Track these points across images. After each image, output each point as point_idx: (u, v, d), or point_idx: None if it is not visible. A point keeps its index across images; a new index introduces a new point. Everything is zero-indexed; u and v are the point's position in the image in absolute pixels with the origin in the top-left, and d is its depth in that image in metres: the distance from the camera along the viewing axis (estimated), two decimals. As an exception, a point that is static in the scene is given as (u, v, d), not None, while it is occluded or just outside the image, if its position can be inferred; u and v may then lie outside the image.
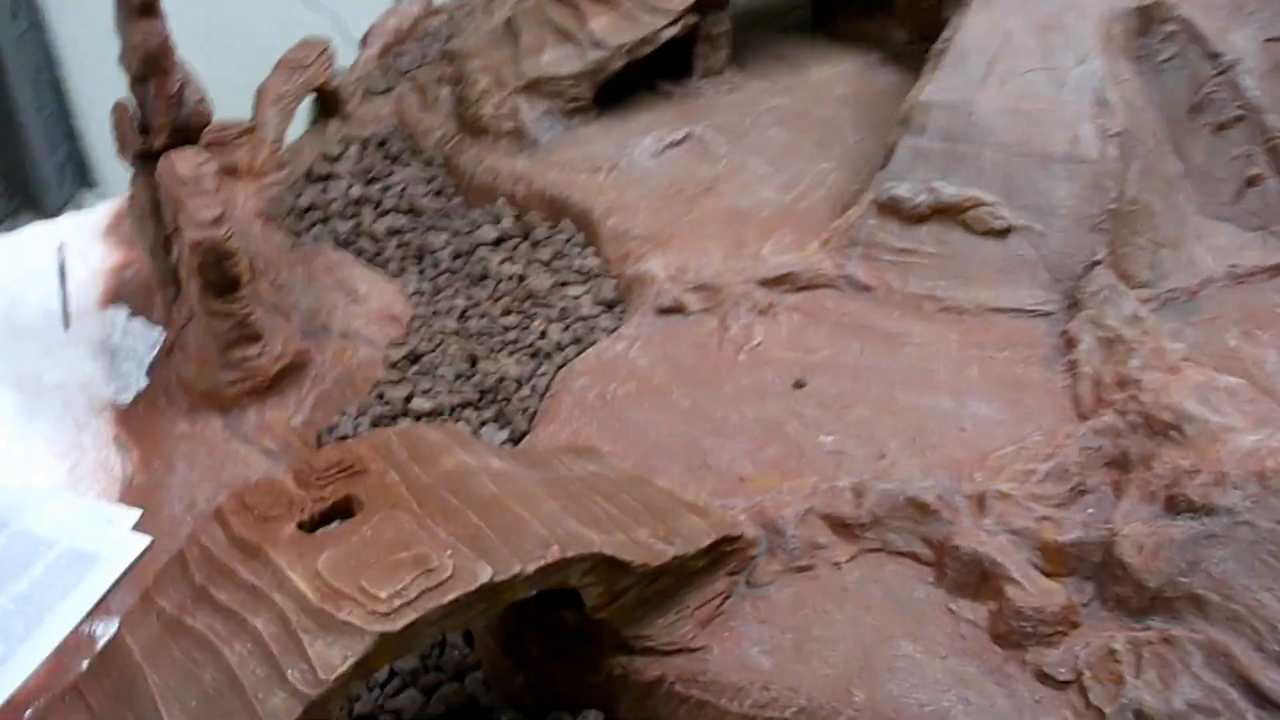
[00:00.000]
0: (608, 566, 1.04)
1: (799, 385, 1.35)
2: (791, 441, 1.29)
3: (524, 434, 1.39)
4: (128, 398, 1.55)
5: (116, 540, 1.34)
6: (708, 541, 1.11)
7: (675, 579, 1.11)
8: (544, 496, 1.05)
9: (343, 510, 1.01)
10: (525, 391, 1.45)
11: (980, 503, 1.18)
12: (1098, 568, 1.12)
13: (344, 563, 0.96)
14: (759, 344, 1.41)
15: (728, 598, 1.15)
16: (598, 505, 1.10)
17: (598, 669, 1.12)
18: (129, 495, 1.42)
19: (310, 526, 1.00)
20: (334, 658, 0.91)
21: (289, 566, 0.96)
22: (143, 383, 1.55)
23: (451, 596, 0.94)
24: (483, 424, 1.42)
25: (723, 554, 1.14)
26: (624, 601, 1.09)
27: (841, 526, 1.19)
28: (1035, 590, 1.10)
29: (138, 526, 1.38)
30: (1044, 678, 1.07)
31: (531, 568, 0.97)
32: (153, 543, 1.35)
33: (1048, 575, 1.12)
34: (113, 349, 1.60)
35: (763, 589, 1.16)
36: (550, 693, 1.15)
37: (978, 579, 1.13)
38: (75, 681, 1.02)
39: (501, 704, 1.16)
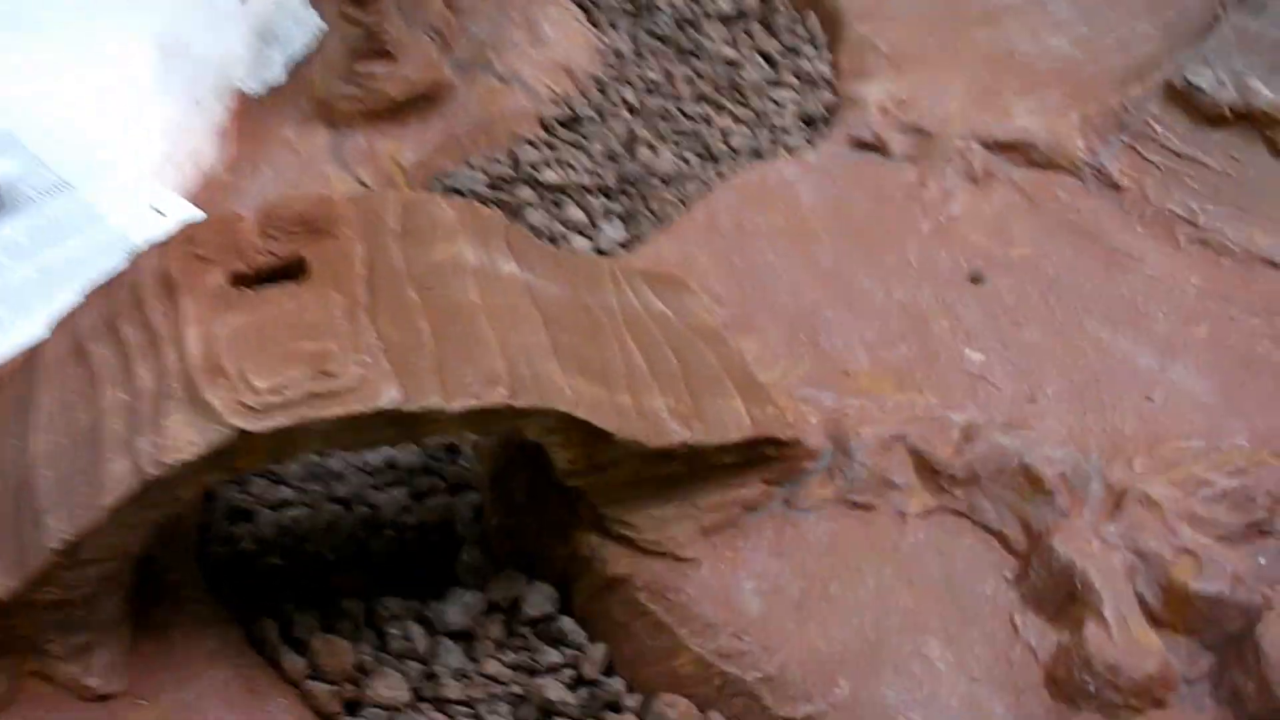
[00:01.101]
0: (582, 430, 0.80)
1: (976, 280, 1.04)
2: (930, 345, 0.99)
3: (641, 238, 1.14)
4: (257, 88, 1.35)
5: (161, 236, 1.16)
6: (737, 437, 0.85)
7: (689, 468, 0.86)
8: (541, 322, 0.81)
9: (290, 271, 0.80)
10: (669, 193, 1.19)
11: (1119, 500, 0.87)
12: (1229, 640, 0.82)
13: (244, 334, 0.75)
14: (954, 216, 1.10)
15: (753, 509, 0.90)
16: (620, 351, 0.85)
17: (567, 540, 0.90)
18: (202, 193, 1.23)
19: (250, 281, 0.80)
20: (182, 441, 0.72)
21: (191, 319, 0.76)
22: (280, 77, 1.35)
23: (337, 412, 0.72)
24: (607, 214, 1.17)
25: (764, 456, 0.88)
26: (610, 476, 0.85)
27: (929, 471, 0.90)
28: (1126, 641, 0.80)
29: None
30: (1083, 760, 0.79)
31: (456, 406, 0.74)
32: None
33: (1156, 623, 0.82)
34: (268, 32, 1.41)
35: (800, 514, 0.89)
36: (519, 547, 0.93)
37: (1063, 597, 0.83)
38: (4, 371, 0.88)
39: (474, 537, 0.96)
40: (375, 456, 1.02)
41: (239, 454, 0.74)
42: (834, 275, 1.04)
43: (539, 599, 0.89)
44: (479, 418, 0.76)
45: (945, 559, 0.87)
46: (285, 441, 0.74)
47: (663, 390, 0.85)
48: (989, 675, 0.83)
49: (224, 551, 0.96)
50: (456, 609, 0.89)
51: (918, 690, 0.82)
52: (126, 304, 0.80)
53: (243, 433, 0.72)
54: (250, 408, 0.72)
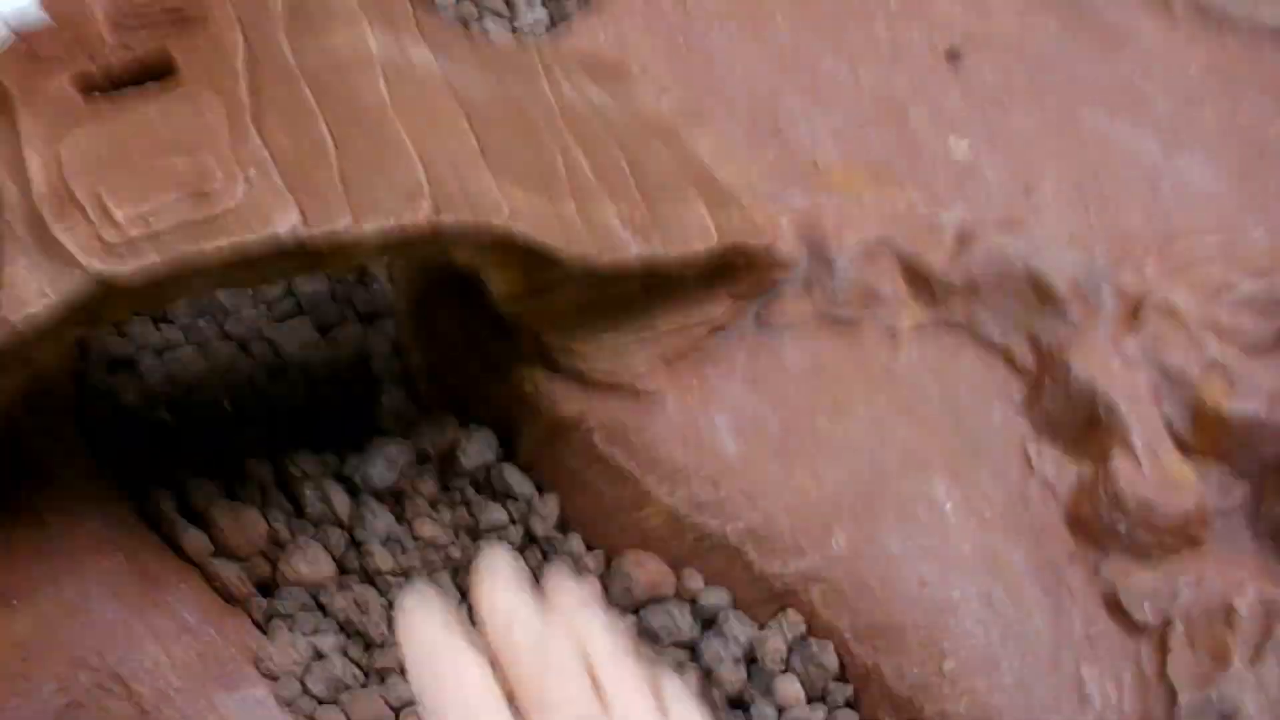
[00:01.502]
0: (521, 250, 0.65)
1: (952, 57, 0.88)
2: (908, 133, 0.83)
3: (564, 20, 0.97)
4: None
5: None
6: (701, 248, 0.70)
7: (645, 287, 0.71)
8: (466, 122, 0.65)
9: (153, 71, 0.63)
10: None
11: (1135, 309, 0.74)
12: (1265, 467, 0.69)
13: (99, 153, 0.58)
14: (927, -11, 0.94)
15: (720, 330, 0.76)
16: (560, 153, 0.69)
17: (505, 376, 0.75)
18: None
19: (104, 88, 0.63)
20: (29, 293, 0.56)
21: (31, 139, 0.59)
22: None
23: (220, 244, 0.57)
24: None
25: (731, 268, 0.74)
26: (553, 300, 0.70)
27: (920, 280, 0.76)
28: (1158, 474, 0.68)
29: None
30: (1114, 607, 0.67)
31: (370, 229, 0.59)
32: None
33: (1185, 450, 0.70)
34: None
35: (774, 334, 0.75)
36: (448, 385, 0.78)
37: (1082, 422, 0.71)
38: None
39: (395, 376, 0.81)
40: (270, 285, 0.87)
41: (103, 304, 0.58)
42: (793, 57, 0.87)
43: (477, 447, 0.75)
44: (398, 241, 0.61)
45: (945, 382, 0.74)
46: (158, 285, 0.58)
47: (613, 197, 0.69)
48: (1003, 517, 0.70)
49: (103, 408, 0.80)
50: (380, 463, 0.74)
51: (925, 537, 0.69)
52: (-49, 130, 0.64)
53: (104, 278, 0.57)
54: (112, 245, 0.56)
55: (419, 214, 0.59)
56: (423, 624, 0.51)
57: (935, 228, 0.77)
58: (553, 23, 0.96)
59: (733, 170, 0.79)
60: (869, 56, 0.88)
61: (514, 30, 0.95)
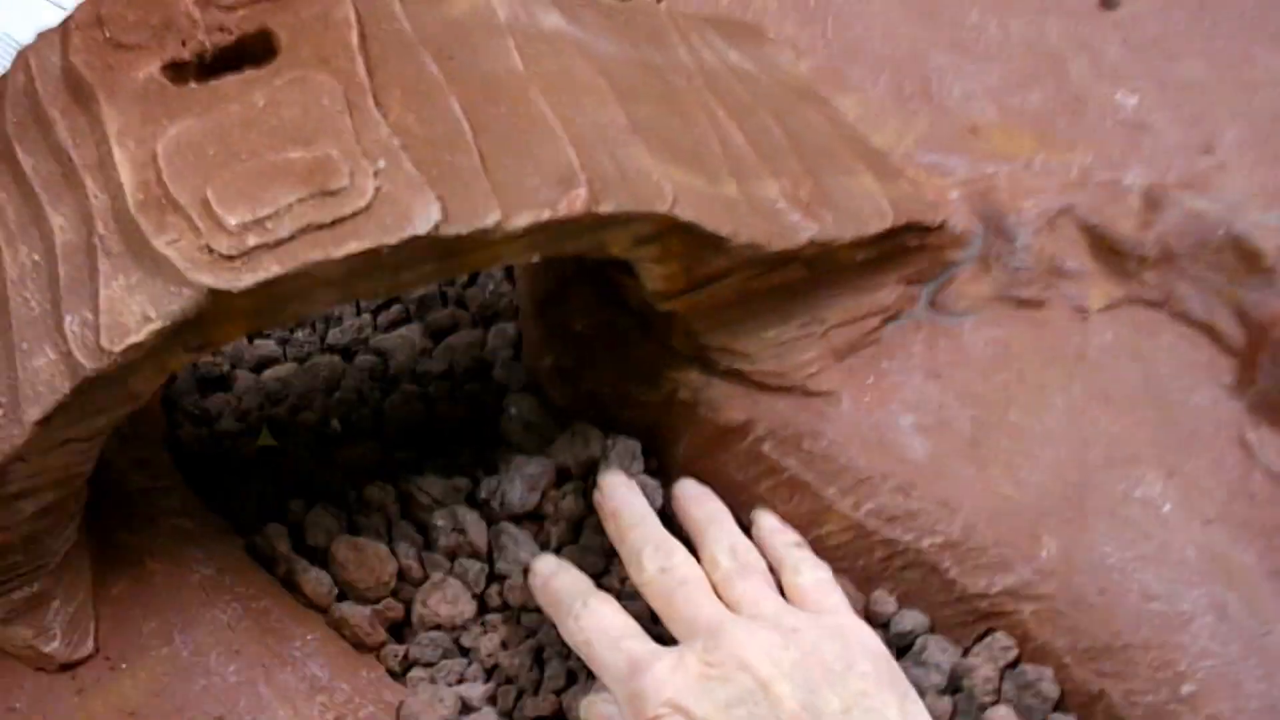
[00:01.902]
0: (684, 236, 0.56)
1: (1106, 3, 0.79)
2: (1070, 88, 0.74)
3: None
4: None
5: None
6: (878, 228, 0.61)
7: (811, 272, 0.62)
8: (610, 94, 0.56)
9: (252, 54, 0.54)
10: None
11: (1352, 269, 0.65)
12: None
13: (200, 148, 0.49)
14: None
15: (892, 319, 0.66)
16: (710, 124, 0.60)
17: (655, 381, 0.66)
18: None
19: (194, 72, 0.54)
20: (129, 316, 0.47)
21: (120, 137, 0.50)
22: None
23: (350, 249, 0.48)
24: None
25: (901, 248, 0.65)
26: (713, 292, 0.61)
27: (1109, 252, 0.66)
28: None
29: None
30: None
31: (520, 223, 0.50)
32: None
33: None
34: None
35: (953, 320, 0.66)
36: (585, 391, 0.69)
37: (1309, 403, 0.62)
38: None
39: (520, 384, 0.72)
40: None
41: (214, 324, 0.49)
42: (934, 11, 0.77)
43: (624, 461, 0.65)
44: (551, 233, 0.52)
45: (1145, 365, 0.64)
46: (278, 298, 0.49)
47: (774, 173, 0.59)
48: (1226, 514, 0.61)
49: (198, 435, 0.71)
50: (520, 484, 0.64)
51: (1143, 541, 0.59)
52: (22, 122, 0.53)
53: (216, 293, 0.48)
54: (224, 256, 0.47)
55: (576, 203, 0.50)
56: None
57: (1119, 193, 0.68)
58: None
59: (886, 138, 0.70)
60: (1017, 6, 0.78)
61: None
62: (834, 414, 0.62)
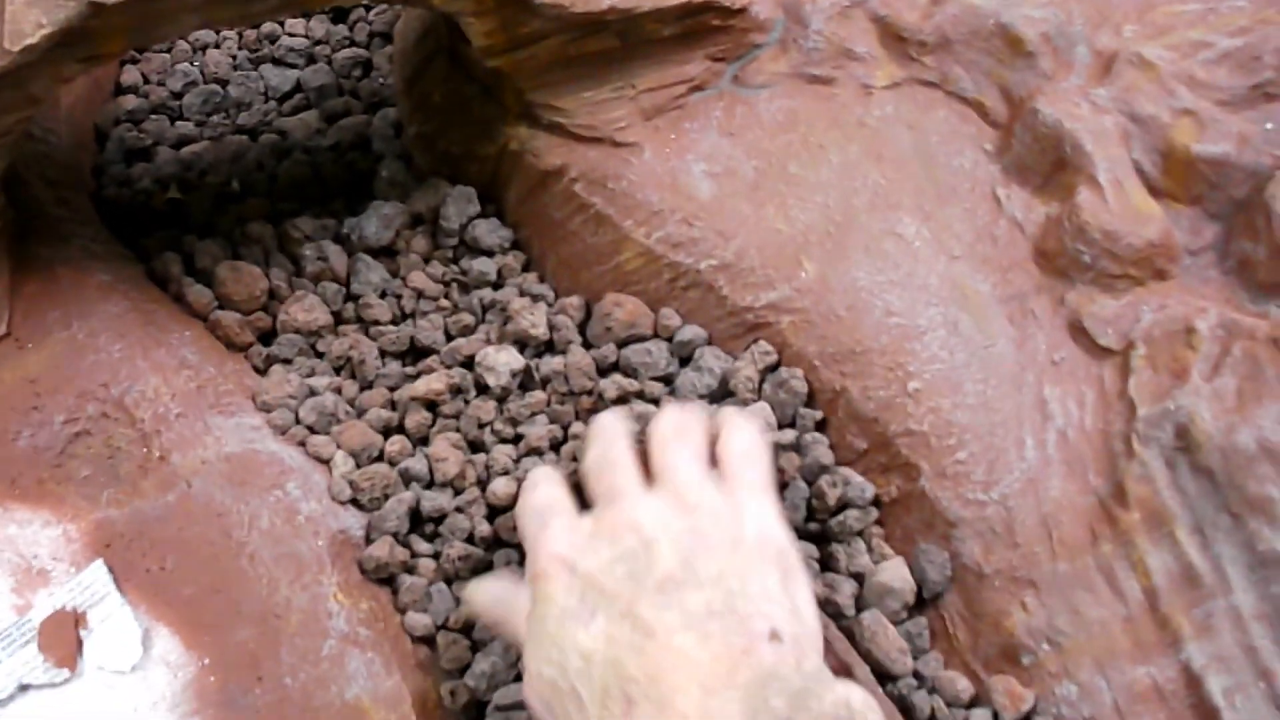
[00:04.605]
0: (496, -2, 0.66)
1: None
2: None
3: None
4: None
5: None
6: (673, 1, 0.72)
7: (622, 43, 0.72)
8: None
9: None
10: None
11: (1108, 65, 0.73)
12: (1235, 207, 0.69)
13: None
14: None
15: (698, 89, 0.75)
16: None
17: (492, 137, 0.76)
18: None
19: None
20: (27, 23, 0.57)
21: None
22: None
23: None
24: None
25: (709, 27, 0.74)
26: (534, 52, 0.71)
27: (894, 38, 0.76)
28: (1123, 206, 0.68)
29: None
30: (1078, 332, 0.67)
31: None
32: None
33: (1155, 194, 0.70)
34: None
35: (752, 92, 0.75)
36: (440, 152, 0.80)
37: (1050, 165, 0.70)
38: None
39: (394, 152, 0.82)
40: (280, 79, 0.89)
41: (96, 37, 0.60)
42: None
43: (459, 204, 0.76)
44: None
45: (917, 133, 0.74)
46: (149, 17, 0.60)
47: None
48: (971, 252, 0.70)
49: (121, 193, 0.83)
50: (375, 221, 0.76)
51: (893, 270, 0.69)
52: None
53: (95, 5, 0.57)
54: (91, -37, 0.58)
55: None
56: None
57: (909, -12, 0.78)
58: None
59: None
60: None
61: None
62: (636, 161, 0.73)
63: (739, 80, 0.75)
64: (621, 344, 0.72)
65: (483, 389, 0.70)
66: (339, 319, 0.74)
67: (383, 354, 0.72)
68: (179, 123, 0.87)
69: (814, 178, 0.72)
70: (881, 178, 0.72)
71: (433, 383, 0.69)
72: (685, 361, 0.71)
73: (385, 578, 0.65)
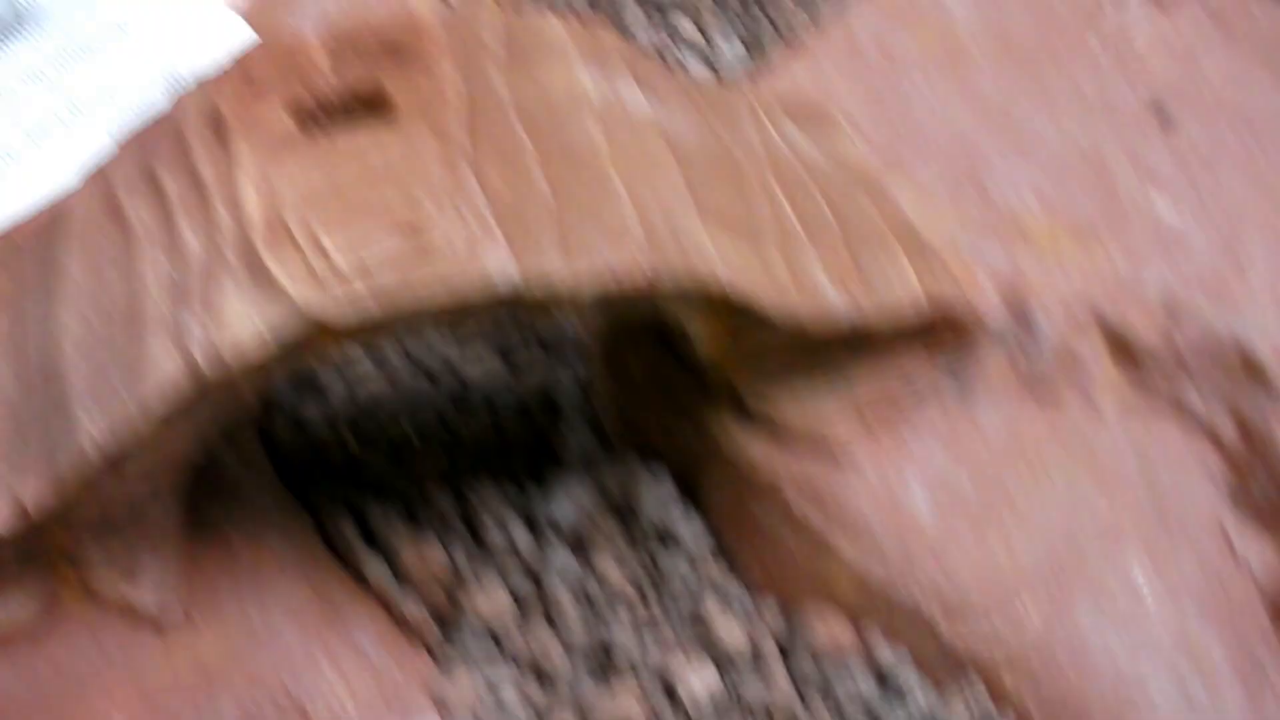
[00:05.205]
0: (733, 309, 0.62)
1: (1159, 113, 0.84)
2: (1111, 189, 0.79)
3: (766, 60, 0.93)
4: None
5: (203, 51, 0.94)
6: (909, 312, 0.67)
7: (844, 340, 0.68)
8: (678, 169, 0.62)
9: (369, 104, 0.62)
10: (796, 6, 0.96)
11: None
12: None
13: (315, 187, 0.57)
14: (1133, 40, 0.88)
15: (919, 391, 0.71)
16: (769, 203, 0.66)
17: (695, 423, 0.72)
18: (252, 5, 0.93)
19: (319, 121, 0.61)
20: (241, 325, 0.55)
21: (247, 168, 0.57)
22: None
23: (428, 278, 0.55)
24: (724, 30, 0.95)
25: (931, 322, 0.69)
26: (757, 356, 0.67)
27: (1126, 353, 0.72)
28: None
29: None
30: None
31: (580, 269, 0.56)
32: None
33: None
34: None
35: (972, 396, 0.71)
36: (636, 426, 0.75)
37: (1289, 507, 0.67)
38: (27, 227, 0.70)
39: (579, 409, 0.79)
40: (460, 313, 0.85)
41: (313, 338, 0.57)
42: (995, 108, 0.83)
43: (658, 492, 0.71)
44: (607, 285, 0.58)
45: (1146, 460, 0.70)
46: (371, 328, 0.57)
47: (819, 249, 0.66)
48: (1202, 604, 0.66)
49: (288, 428, 0.78)
50: (565, 501, 0.71)
51: (1118, 616, 0.65)
52: (168, 150, 0.61)
53: (316, 311, 0.54)
54: (325, 278, 0.54)
55: (631, 258, 0.57)
56: None
57: (1141, 294, 0.74)
58: (750, 58, 0.93)
59: (933, 222, 0.75)
60: (1073, 110, 0.84)
61: (712, 67, 0.92)
62: (853, 475, 0.68)
63: (961, 385, 0.71)
64: (820, 659, 0.68)
65: (676, 702, 0.66)
66: (522, 607, 0.70)
67: (569, 651, 0.69)
68: (354, 352, 0.84)
69: (1038, 505, 0.68)
70: (1108, 509, 0.68)
71: (628, 704, 0.65)
72: (887, 687, 0.67)
73: None
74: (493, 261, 0.55)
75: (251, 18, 0.94)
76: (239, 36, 0.94)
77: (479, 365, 0.82)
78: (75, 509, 0.60)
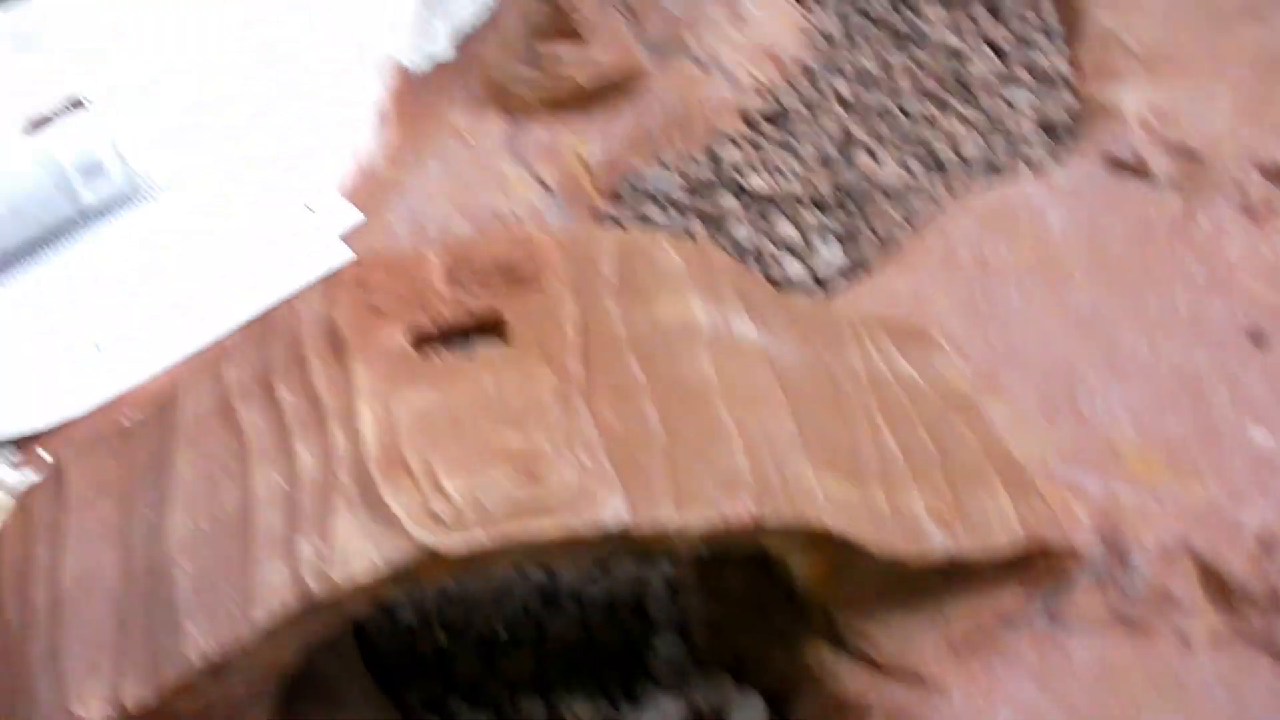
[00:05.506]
0: (834, 543, 0.63)
1: (1257, 340, 0.85)
2: (1207, 418, 0.80)
3: (863, 264, 0.95)
4: (420, 64, 1.14)
5: (311, 245, 0.97)
6: (1006, 548, 0.68)
7: (940, 573, 0.69)
8: (785, 404, 0.64)
9: (485, 329, 0.64)
10: (893, 210, 0.98)
11: None
12: None
13: (432, 417, 0.59)
14: (1229, 257, 0.89)
15: (1010, 623, 0.71)
16: (870, 432, 0.67)
17: (788, 646, 0.72)
18: (360, 186, 1.03)
19: (432, 338, 0.63)
20: (355, 556, 0.56)
21: (365, 392, 0.60)
22: (447, 53, 1.15)
23: (545, 526, 0.56)
24: (822, 232, 0.97)
25: (1025, 554, 0.70)
26: (854, 580, 0.68)
27: (1219, 586, 0.72)
28: None
29: (349, 235, 0.98)
30: None
31: (694, 527, 0.58)
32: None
33: None
34: (434, 1, 1.22)
35: (1064, 629, 0.71)
36: (727, 642, 0.75)
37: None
38: (132, 425, 0.72)
39: (670, 623, 0.78)
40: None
41: (423, 572, 0.58)
42: (1091, 325, 0.85)
43: (747, 716, 0.72)
44: (718, 534, 0.60)
45: (1237, 699, 0.69)
46: (481, 560, 0.58)
47: (919, 483, 0.67)
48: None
49: (380, 625, 0.80)
50: (656, 718, 0.72)
51: None
52: (284, 360, 0.64)
53: (430, 549, 0.56)
54: (440, 518, 0.56)
55: (740, 506, 0.58)
56: None
57: (1236, 530, 0.73)
58: (846, 258, 0.95)
59: (1028, 447, 0.76)
60: (1169, 329, 0.85)
61: (809, 267, 0.94)
62: (945, 705, 0.68)
63: (1052, 615, 0.71)
64: None
65: None
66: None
67: None
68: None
69: (1133, 746, 0.67)
70: (1203, 756, 0.67)
71: None
72: None
73: None
74: (608, 511, 0.56)
75: (359, 197, 0.97)
76: (339, 214, 0.97)
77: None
78: (175, 707, 0.61)
